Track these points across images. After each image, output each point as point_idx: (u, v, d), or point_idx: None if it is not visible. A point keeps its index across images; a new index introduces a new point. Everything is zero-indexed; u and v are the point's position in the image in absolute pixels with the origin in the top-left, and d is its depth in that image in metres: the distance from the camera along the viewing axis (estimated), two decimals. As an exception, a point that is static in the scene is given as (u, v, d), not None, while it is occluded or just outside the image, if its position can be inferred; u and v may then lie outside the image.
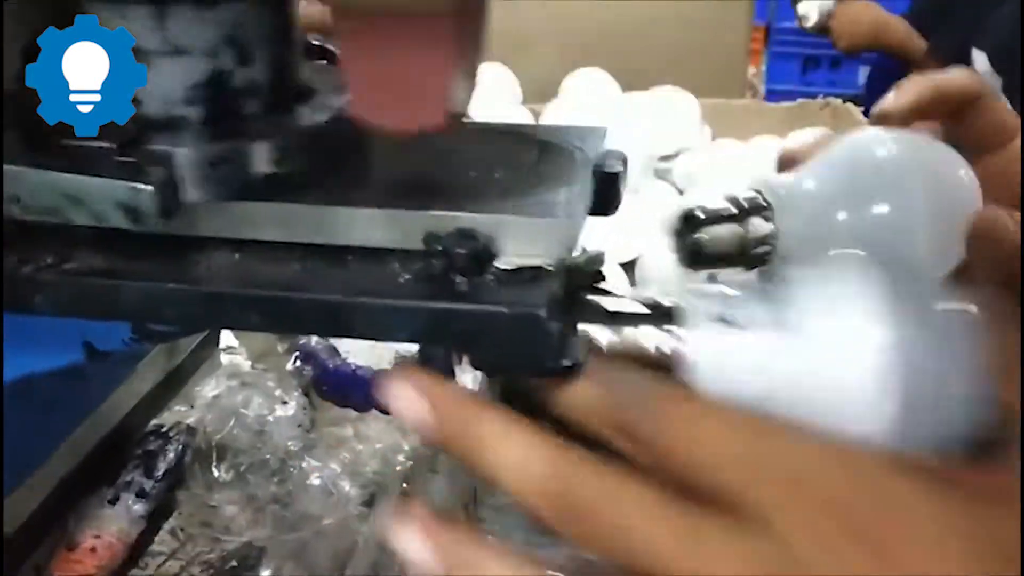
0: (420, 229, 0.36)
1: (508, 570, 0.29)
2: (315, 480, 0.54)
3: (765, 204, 0.42)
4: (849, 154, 0.43)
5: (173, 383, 0.66)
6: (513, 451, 0.30)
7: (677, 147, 1.24)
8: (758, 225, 0.42)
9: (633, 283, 1.15)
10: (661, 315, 0.35)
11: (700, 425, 0.29)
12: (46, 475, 0.55)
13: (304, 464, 0.54)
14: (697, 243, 0.43)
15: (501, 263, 0.36)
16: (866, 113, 1.24)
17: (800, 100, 1.30)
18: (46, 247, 0.37)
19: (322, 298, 0.35)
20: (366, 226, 0.37)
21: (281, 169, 0.38)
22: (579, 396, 0.33)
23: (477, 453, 0.30)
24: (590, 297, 0.38)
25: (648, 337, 0.34)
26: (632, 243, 1.17)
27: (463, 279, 0.36)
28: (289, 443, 0.57)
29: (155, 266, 0.37)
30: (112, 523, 0.55)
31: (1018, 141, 0.47)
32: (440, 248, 0.36)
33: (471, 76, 0.39)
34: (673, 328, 0.34)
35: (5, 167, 0.35)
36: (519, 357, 0.35)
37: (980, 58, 1.73)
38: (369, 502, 0.53)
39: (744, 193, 0.43)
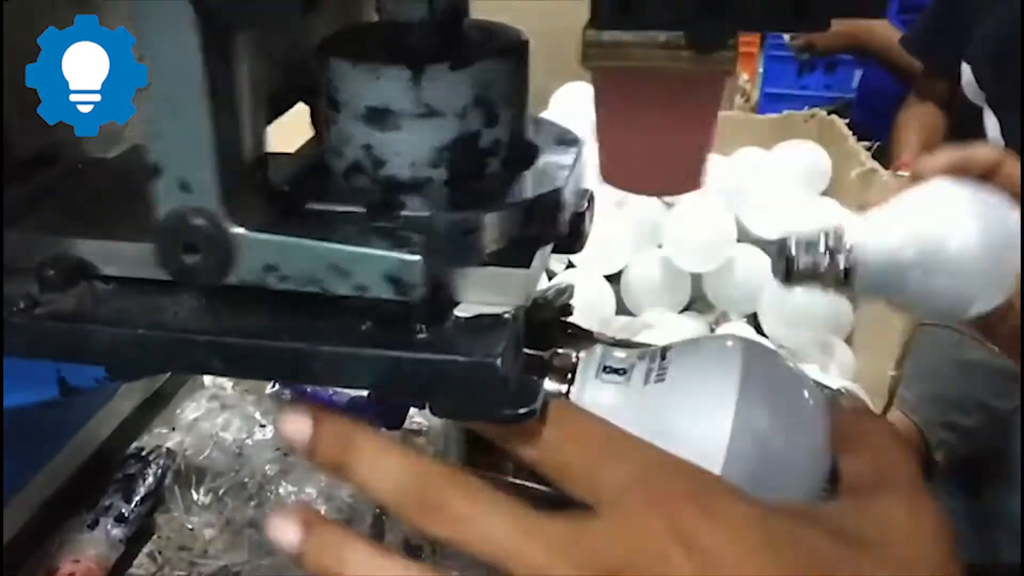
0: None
1: (375, 566, 0.32)
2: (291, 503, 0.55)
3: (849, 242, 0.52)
4: (920, 208, 0.54)
5: (154, 406, 0.67)
6: (381, 463, 0.33)
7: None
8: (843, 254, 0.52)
9: (618, 294, 1.16)
10: (560, 368, 0.40)
11: (566, 430, 0.34)
12: (27, 500, 0.56)
13: (281, 488, 0.55)
14: (788, 269, 0.53)
15: (461, 311, 0.37)
16: (851, 124, 1.25)
17: (786, 112, 1.31)
18: (18, 290, 0.38)
19: (285, 346, 0.36)
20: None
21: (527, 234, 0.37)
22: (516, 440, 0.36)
23: (349, 465, 0.34)
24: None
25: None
26: (618, 256, 1.18)
27: (423, 327, 0.36)
28: (267, 467, 0.58)
29: (124, 311, 0.38)
30: (91, 547, 0.56)
31: None
32: (402, 296, 0.37)
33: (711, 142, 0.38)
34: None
35: (263, 236, 0.34)
36: (476, 405, 0.36)
37: (967, 72, 1.74)
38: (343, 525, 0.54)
39: (834, 228, 0.53)
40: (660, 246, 1.18)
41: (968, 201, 0.53)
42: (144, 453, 0.63)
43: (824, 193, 1.22)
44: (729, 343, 0.41)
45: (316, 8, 0.39)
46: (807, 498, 0.40)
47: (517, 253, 0.38)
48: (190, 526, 0.58)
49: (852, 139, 1.20)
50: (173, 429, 0.65)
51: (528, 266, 0.37)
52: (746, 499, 0.31)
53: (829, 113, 1.30)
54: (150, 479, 0.61)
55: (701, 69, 0.32)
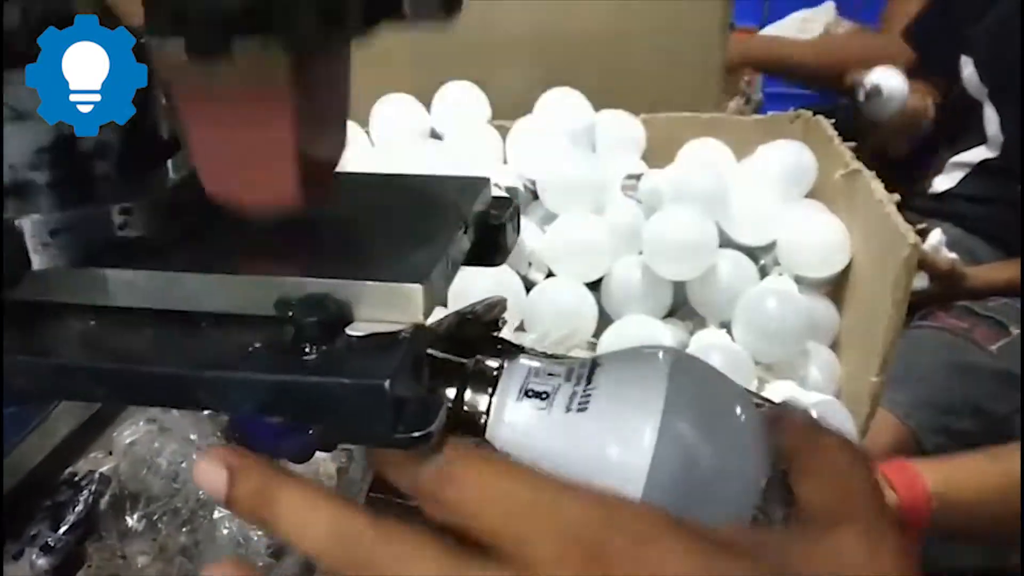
0: (271, 296, 0.36)
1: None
2: (224, 530, 0.53)
3: None
4: None
5: (91, 429, 0.66)
6: (303, 518, 0.33)
7: (640, 167, 1.24)
8: None
9: (600, 303, 1.14)
10: (480, 380, 0.39)
11: (481, 477, 0.33)
12: (-54, 531, 0.55)
13: (215, 514, 0.54)
14: None
15: (353, 330, 0.36)
16: (837, 125, 1.23)
17: (771, 113, 1.29)
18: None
19: (166, 372, 0.35)
20: (216, 293, 0.36)
21: (130, 234, 0.37)
22: (396, 471, 0.35)
23: (271, 519, 0.33)
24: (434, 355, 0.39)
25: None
26: (598, 263, 1.16)
27: (313, 347, 0.35)
28: (201, 492, 0.57)
29: (11, 336, 0.37)
30: (14, 579, 0.55)
31: None
32: (290, 315, 0.36)
33: (336, 139, 0.38)
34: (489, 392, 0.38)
35: None
36: (366, 429, 0.34)
37: (968, 66, 1.72)
38: (277, 554, 0.52)
39: None
40: (641, 252, 1.17)
41: None
42: (77, 479, 0.61)
43: (809, 195, 1.20)
44: (659, 357, 0.40)
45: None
46: (738, 519, 0.38)
47: (414, 268, 0.37)
48: (122, 554, 0.57)
49: (837, 140, 1.19)
50: (110, 453, 0.63)
51: (424, 281, 0.36)
52: (686, 539, 0.31)
53: (827, 114, 1.28)
54: (80, 506, 0.59)
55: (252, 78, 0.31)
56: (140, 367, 0.35)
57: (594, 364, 0.39)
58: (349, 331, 0.35)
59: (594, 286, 1.17)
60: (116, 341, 0.36)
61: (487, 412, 0.39)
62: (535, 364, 0.41)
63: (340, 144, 0.38)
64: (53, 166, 0.37)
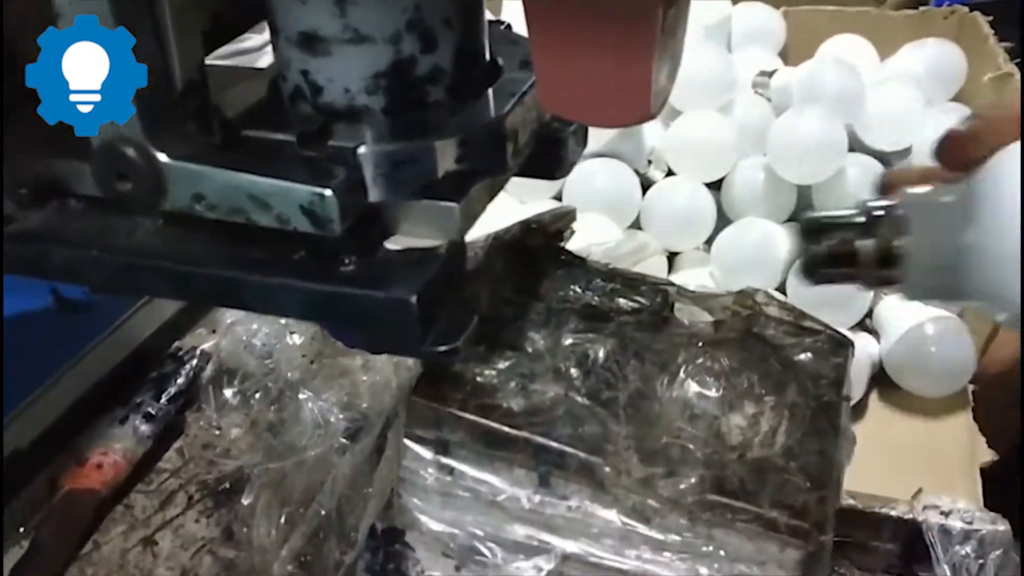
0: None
1: None
2: (307, 411, 0.57)
3: (901, 214, 0.38)
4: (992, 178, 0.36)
5: (196, 308, 0.70)
6: None
7: (776, 64, 1.19)
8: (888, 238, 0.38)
9: (720, 204, 1.12)
10: None
11: None
12: (61, 394, 0.61)
13: (301, 394, 0.58)
14: (811, 255, 0.40)
15: (392, 243, 0.37)
16: (994, 24, 1.15)
17: (923, 9, 1.21)
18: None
19: (218, 274, 0.38)
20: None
21: (464, 167, 0.37)
22: None
23: None
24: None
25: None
26: (721, 162, 1.14)
27: (351, 259, 0.37)
28: (292, 373, 0.61)
29: (84, 231, 0.40)
30: (119, 442, 0.61)
31: None
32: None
33: (675, 66, 0.36)
34: None
35: (189, 166, 0.35)
36: (394, 339, 0.36)
37: None
38: (352, 436, 0.56)
39: (878, 202, 0.39)
40: (766, 154, 1.14)
41: None
42: (181, 353, 0.67)
43: (955, 99, 1.14)
44: None
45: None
46: None
47: (452, 186, 0.38)
48: (217, 425, 0.62)
49: (993, 39, 1.11)
50: (213, 331, 0.68)
51: (459, 200, 0.37)
52: None
53: (984, 11, 1.19)
54: (182, 378, 0.65)
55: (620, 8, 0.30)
56: (196, 269, 0.38)
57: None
58: (389, 244, 0.37)
59: (713, 187, 1.15)
60: (175, 243, 0.38)
61: None
62: None
63: (679, 57, 0.37)
64: (389, 91, 0.37)
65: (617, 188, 1.14)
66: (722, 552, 0.39)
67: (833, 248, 0.39)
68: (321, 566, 0.51)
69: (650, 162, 1.17)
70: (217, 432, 0.62)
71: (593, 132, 0.49)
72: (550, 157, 0.45)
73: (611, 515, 0.40)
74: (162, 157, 0.36)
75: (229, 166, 0.35)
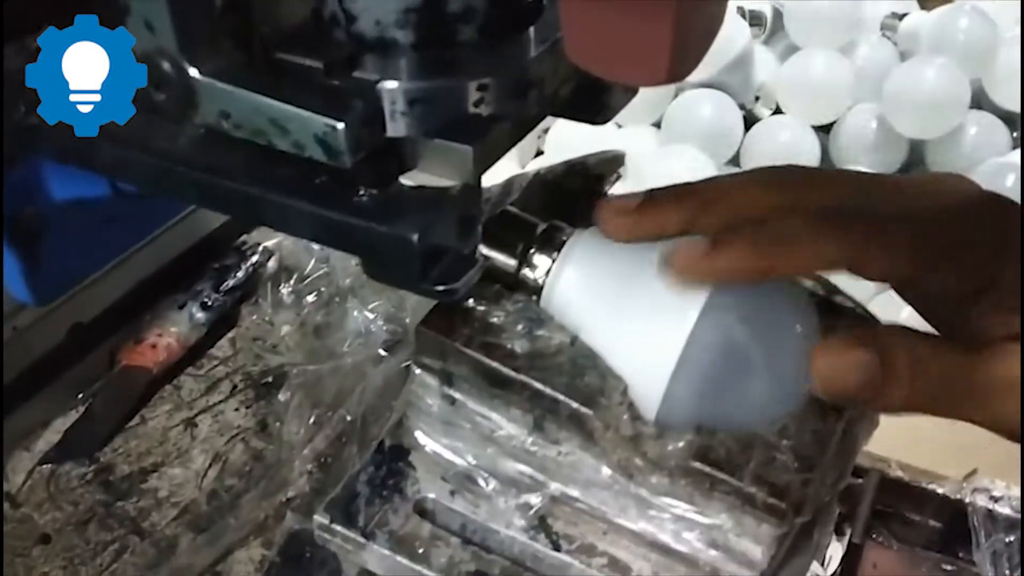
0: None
1: None
2: (352, 318, 0.60)
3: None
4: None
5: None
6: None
7: (910, 7, 1.13)
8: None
9: (825, 147, 1.08)
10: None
11: None
12: (126, 274, 0.64)
13: (348, 302, 0.60)
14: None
15: (408, 179, 0.38)
16: None
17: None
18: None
19: (240, 188, 0.39)
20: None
21: (484, 111, 0.37)
22: None
23: None
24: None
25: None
26: (832, 106, 1.10)
27: (366, 191, 0.38)
28: (345, 279, 0.63)
29: (132, 131, 0.42)
30: (175, 325, 0.64)
31: None
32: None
33: (712, 28, 0.37)
34: None
35: (217, 83, 0.36)
36: (395, 273, 0.37)
37: None
38: (390, 348, 0.58)
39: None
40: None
41: None
42: (244, 248, 0.70)
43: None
44: None
45: None
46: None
47: (471, 128, 0.38)
48: (270, 320, 0.65)
49: None
50: (277, 228, 0.71)
51: (475, 143, 0.37)
52: None
53: None
54: (240, 273, 0.68)
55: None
56: (222, 181, 0.39)
57: None
58: (404, 179, 0.38)
59: (822, 131, 1.11)
60: (208, 154, 0.40)
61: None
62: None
63: (717, 21, 0.36)
64: (419, 27, 0.37)
65: (719, 121, 1.11)
66: (703, 519, 0.40)
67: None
68: (340, 469, 0.53)
69: (758, 98, 1.14)
70: (269, 327, 0.65)
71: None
72: (591, 102, 0.45)
73: (599, 466, 0.41)
74: (193, 72, 0.37)
75: (253, 88, 0.36)
